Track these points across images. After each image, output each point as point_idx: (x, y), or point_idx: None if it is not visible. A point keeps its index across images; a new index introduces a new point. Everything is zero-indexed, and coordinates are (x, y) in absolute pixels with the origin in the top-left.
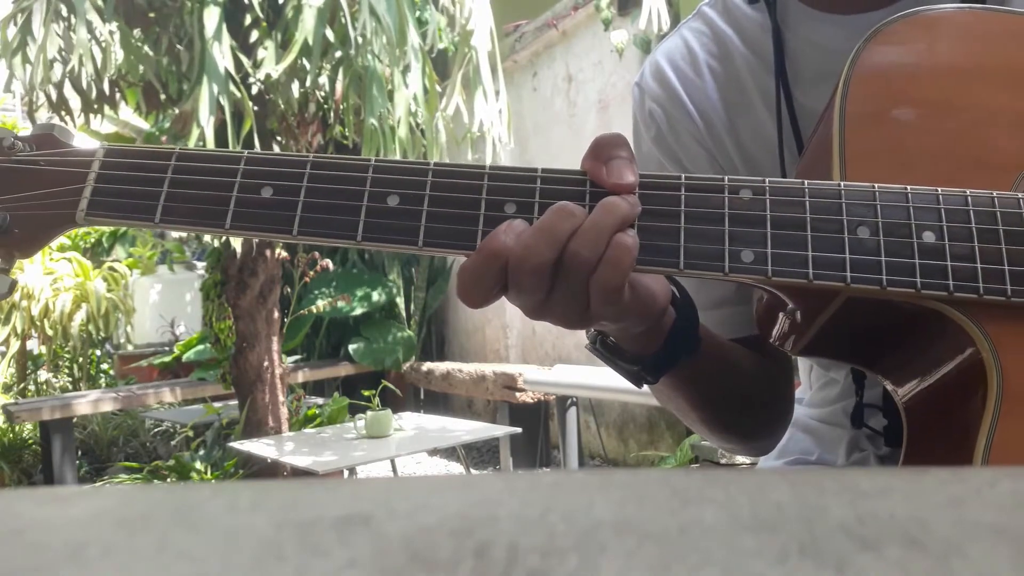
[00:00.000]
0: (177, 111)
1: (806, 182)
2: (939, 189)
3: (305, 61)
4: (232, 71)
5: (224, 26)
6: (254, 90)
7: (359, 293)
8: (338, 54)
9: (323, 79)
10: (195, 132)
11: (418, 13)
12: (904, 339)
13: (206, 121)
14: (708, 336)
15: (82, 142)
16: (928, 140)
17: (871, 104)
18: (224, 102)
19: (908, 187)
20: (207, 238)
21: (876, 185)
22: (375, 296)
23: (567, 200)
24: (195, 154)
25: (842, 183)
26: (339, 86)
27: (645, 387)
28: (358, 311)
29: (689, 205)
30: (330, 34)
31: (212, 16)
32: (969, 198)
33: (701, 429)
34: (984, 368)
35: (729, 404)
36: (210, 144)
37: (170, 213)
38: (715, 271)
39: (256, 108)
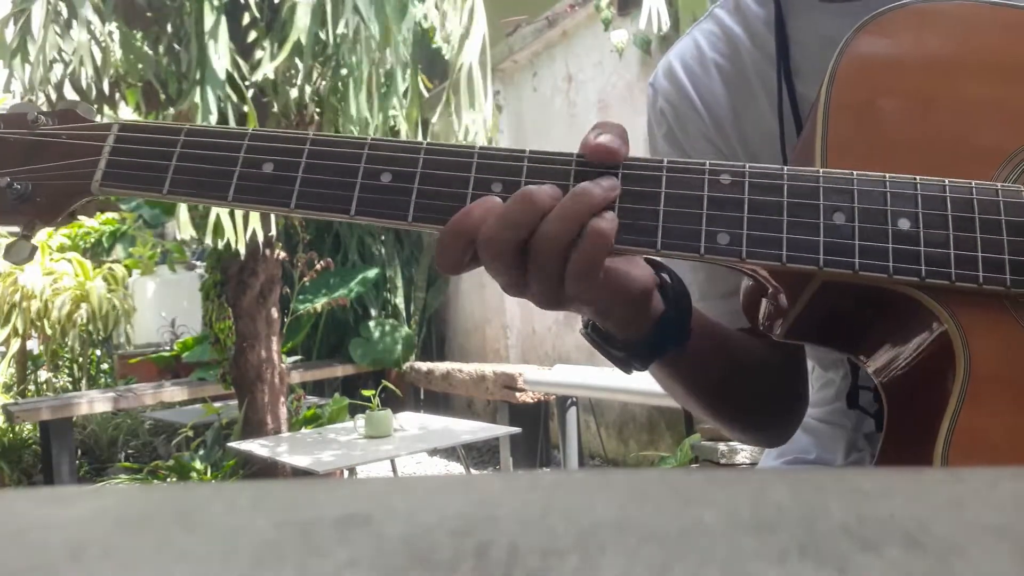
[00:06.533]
0: (175, 111)
1: (785, 168)
2: (917, 178)
3: (298, 61)
4: (227, 74)
5: (222, 27)
6: (252, 92)
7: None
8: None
9: (314, 79)
10: None
11: (416, 18)
12: (882, 324)
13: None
14: (707, 326)
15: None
16: (911, 130)
17: (855, 94)
18: (214, 108)
19: (886, 175)
20: (207, 239)
21: (855, 172)
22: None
23: (552, 181)
24: (203, 130)
25: (821, 170)
26: (326, 88)
27: (651, 382)
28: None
29: (670, 187)
30: (323, 34)
31: (211, 18)
32: (947, 187)
33: (703, 416)
34: (953, 353)
35: (731, 394)
36: None
37: (177, 185)
38: (691, 252)
39: (253, 111)
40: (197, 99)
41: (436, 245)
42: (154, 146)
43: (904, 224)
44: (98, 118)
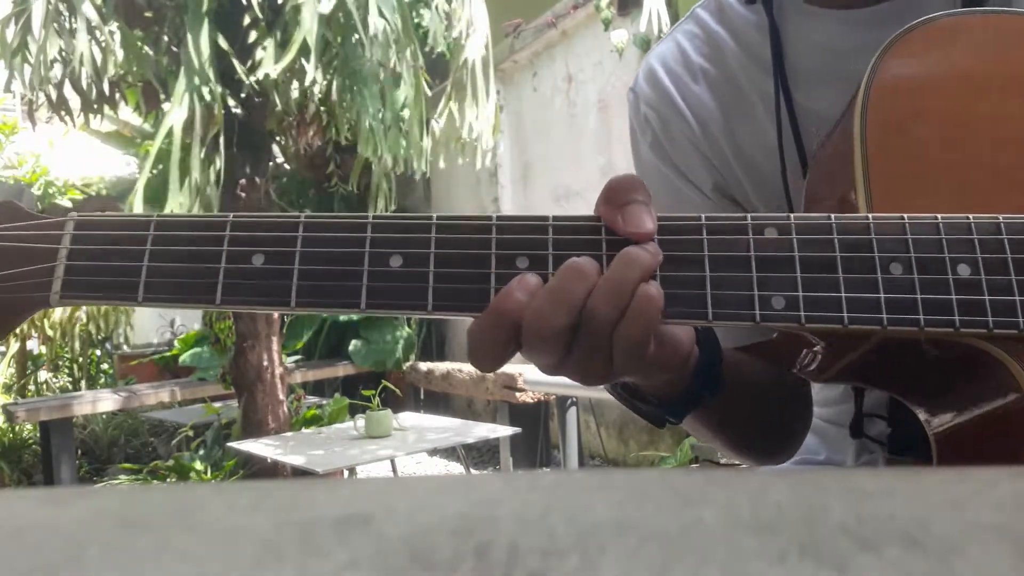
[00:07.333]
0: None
1: (833, 217)
2: (971, 217)
3: (304, 61)
4: (212, 75)
5: (206, 27)
6: (251, 92)
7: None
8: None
9: (321, 79)
10: (162, 132)
11: (416, 19)
12: (940, 374)
13: (176, 120)
14: (729, 366)
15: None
16: (955, 157)
17: (893, 121)
18: (186, 104)
19: (939, 216)
20: None
21: (906, 216)
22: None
23: (583, 251)
24: (175, 222)
25: (871, 216)
26: (335, 87)
27: None
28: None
29: (713, 249)
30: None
31: (194, 13)
32: (1002, 225)
33: (722, 449)
34: None
35: (751, 427)
36: (204, 144)
37: (153, 290)
38: (746, 320)
39: (249, 113)
40: (173, 102)
41: (470, 338)
42: (120, 244)
43: (964, 271)
44: (98, 118)
